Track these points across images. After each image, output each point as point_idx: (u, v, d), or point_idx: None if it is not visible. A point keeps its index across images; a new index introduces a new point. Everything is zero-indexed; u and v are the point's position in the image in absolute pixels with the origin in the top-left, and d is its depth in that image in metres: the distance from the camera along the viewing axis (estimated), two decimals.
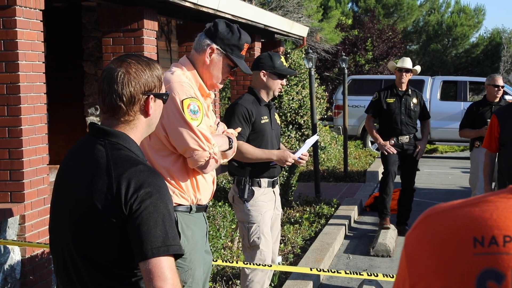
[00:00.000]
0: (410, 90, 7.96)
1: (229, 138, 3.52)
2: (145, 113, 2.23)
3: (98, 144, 2.19)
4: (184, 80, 3.33)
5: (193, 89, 3.34)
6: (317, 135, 5.31)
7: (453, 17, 34.40)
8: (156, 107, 2.26)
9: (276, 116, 5.05)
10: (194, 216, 3.36)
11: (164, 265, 2.00)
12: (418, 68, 8.07)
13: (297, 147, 10.90)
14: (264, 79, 4.80)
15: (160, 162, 3.29)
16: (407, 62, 7.91)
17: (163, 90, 2.30)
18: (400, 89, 7.92)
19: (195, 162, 3.26)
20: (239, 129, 3.88)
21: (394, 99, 7.89)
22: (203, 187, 3.39)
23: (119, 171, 2.10)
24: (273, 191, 4.87)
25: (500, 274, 1.08)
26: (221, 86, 3.56)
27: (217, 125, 3.60)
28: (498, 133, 5.43)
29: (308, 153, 4.92)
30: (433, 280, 1.13)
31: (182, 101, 3.24)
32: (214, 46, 3.42)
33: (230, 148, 3.50)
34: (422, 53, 34.02)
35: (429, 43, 33.99)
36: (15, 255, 5.16)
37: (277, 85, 4.82)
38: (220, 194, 8.27)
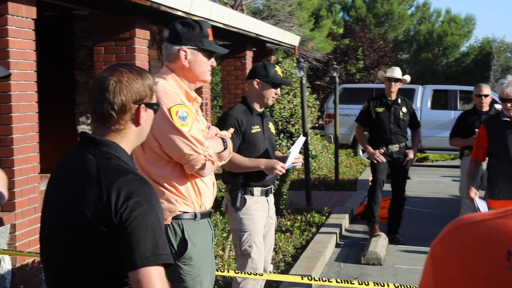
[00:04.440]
0: (399, 99, 7.99)
1: (222, 139, 3.52)
2: (136, 122, 2.23)
3: (89, 153, 2.19)
4: (168, 89, 3.33)
5: (178, 96, 3.35)
6: (303, 136, 5.24)
7: (444, 27, 34.63)
8: (147, 116, 2.26)
9: (271, 125, 5.04)
10: (200, 223, 3.36)
11: (154, 275, 2.00)
12: (407, 77, 8.10)
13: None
14: (258, 87, 4.81)
15: (158, 172, 3.29)
16: (396, 72, 7.95)
17: (154, 100, 2.30)
18: (389, 98, 7.96)
19: (192, 167, 3.27)
20: (231, 130, 3.88)
21: (383, 109, 7.92)
22: (205, 192, 3.40)
23: (109, 181, 2.10)
24: (267, 200, 4.87)
25: None
26: (209, 79, 3.55)
27: (208, 128, 3.61)
28: (486, 143, 5.46)
29: (301, 154, 4.89)
30: None
31: (169, 109, 3.25)
32: (185, 47, 3.39)
33: (225, 148, 3.51)
34: (413, 62, 34.20)
35: (420, 52, 34.17)
36: (6, 264, 5.15)
37: (271, 94, 4.82)
38: None
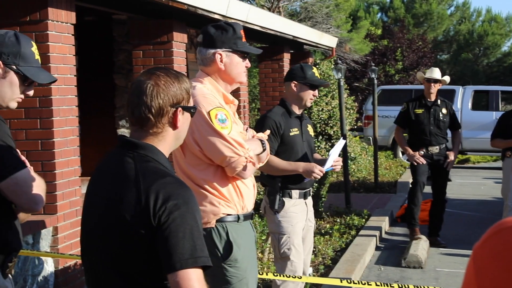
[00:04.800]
0: (439, 100, 7.89)
1: (261, 141, 3.53)
2: (173, 125, 2.24)
3: (127, 156, 2.20)
4: (206, 92, 3.35)
5: (217, 99, 3.36)
6: (343, 139, 5.20)
7: (484, 26, 34.11)
8: (184, 119, 2.27)
9: (309, 128, 5.01)
10: (243, 225, 3.38)
11: (192, 277, 2.00)
12: (447, 78, 7.99)
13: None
14: (296, 90, 4.80)
15: (200, 176, 3.31)
16: (435, 73, 7.85)
17: (191, 103, 2.31)
18: (428, 99, 7.86)
19: (233, 170, 3.28)
20: (268, 132, 3.87)
21: (422, 110, 7.83)
22: (246, 193, 3.41)
23: (148, 183, 2.11)
24: (305, 202, 4.85)
25: None
26: (245, 80, 3.57)
27: (246, 131, 3.61)
28: None
29: (340, 157, 4.84)
30: None
31: (208, 113, 3.26)
32: (220, 50, 3.41)
33: (264, 150, 3.51)
34: (453, 63, 33.76)
35: (460, 52, 33.73)
36: (49, 266, 5.22)
37: (309, 95, 4.80)
38: None
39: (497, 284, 1.10)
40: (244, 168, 3.28)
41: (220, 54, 3.41)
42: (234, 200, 3.35)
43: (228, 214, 3.33)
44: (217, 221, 3.31)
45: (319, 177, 4.66)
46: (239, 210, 3.37)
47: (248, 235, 3.43)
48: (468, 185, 13.34)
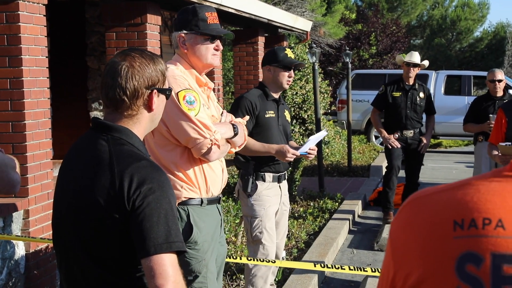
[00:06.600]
0: (417, 84, 7.94)
1: (233, 125, 3.52)
2: (149, 108, 2.21)
3: (101, 139, 2.17)
4: (177, 74, 3.37)
5: (187, 81, 3.38)
6: (326, 130, 5.25)
7: (457, 11, 34.32)
8: (159, 102, 2.25)
9: (286, 113, 5.02)
10: (207, 209, 3.39)
11: (166, 262, 1.98)
12: (426, 62, 8.05)
13: (301, 142, 10.88)
14: (270, 73, 4.81)
15: (167, 157, 3.33)
16: (415, 57, 7.89)
17: (166, 86, 2.28)
18: (407, 83, 7.91)
19: (198, 151, 3.29)
20: (247, 117, 3.89)
21: (400, 93, 7.88)
22: (212, 178, 3.42)
23: (122, 167, 2.08)
24: (279, 186, 4.86)
25: (479, 257, 1.07)
26: (216, 62, 3.55)
27: (221, 115, 3.60)
28: (506, 128, 5.42)
29: (316, 147, 4.88)
30: (414, 265, 1.12)
31: (177, 94, 3.28)
32: (181, 33, 3.45)
33: (235, 134, 3.50)
34: (426, 48, 33.93)
35: (433, 37, 33.91)
36: (19, 250, 5.17)
37: (284, 77, 4.81)
38: (223, 189, 8.25)
39: (407, 253, 1.14)
40: (209, 150, 3.30)
41: (183, 37, 3.46)
42: (198, 183, 3.36)
43: (191, 198, 3.34)
44: (179, 204, 3.32)
45: (291, 160, 4.67)
46: (203, 194, 3.38)
47: (212, 218, 3.43)
48: (440, 169, 13.47)
